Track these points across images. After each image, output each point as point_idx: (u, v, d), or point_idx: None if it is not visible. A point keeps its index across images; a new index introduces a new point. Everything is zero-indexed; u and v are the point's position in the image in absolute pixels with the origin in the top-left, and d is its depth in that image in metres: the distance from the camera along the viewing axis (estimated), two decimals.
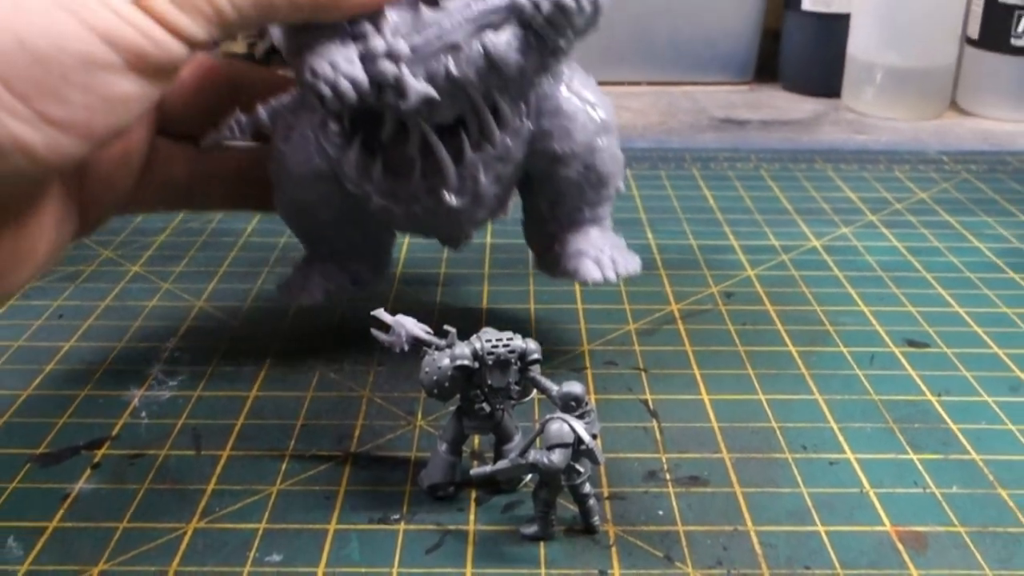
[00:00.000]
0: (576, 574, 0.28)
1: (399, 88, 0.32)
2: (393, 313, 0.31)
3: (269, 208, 0.39)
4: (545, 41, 0.33)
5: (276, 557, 0.29)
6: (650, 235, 0.53)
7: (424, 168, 0.34)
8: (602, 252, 0.37)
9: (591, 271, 0.37)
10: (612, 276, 0.37)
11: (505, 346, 0.30)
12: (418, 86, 0.32)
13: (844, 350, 0.41)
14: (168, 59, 0.27)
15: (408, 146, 0.34)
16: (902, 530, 0.30)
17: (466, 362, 0.30)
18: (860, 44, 0.76)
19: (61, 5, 0.24)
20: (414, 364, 0.31)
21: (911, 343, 0.42)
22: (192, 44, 0.27)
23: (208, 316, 0.44)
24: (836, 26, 0.78)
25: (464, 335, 0.30)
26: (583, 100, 0.36)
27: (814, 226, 0.54)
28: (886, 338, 0.42)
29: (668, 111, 0.77)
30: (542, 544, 0.30)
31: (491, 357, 0.30)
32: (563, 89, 0.36)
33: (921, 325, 0.43)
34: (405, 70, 0.32)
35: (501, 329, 0.30)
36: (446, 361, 0.30)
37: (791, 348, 0.41)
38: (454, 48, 0.32)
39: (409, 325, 0.30)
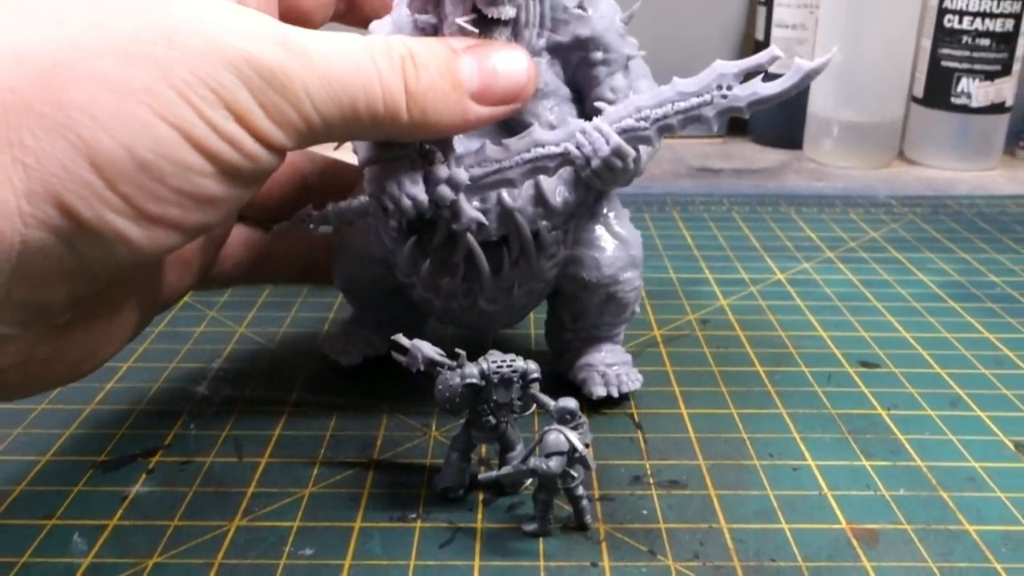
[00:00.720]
0: (571, 566, 0.29)
1: (454, 211, 0.32)
2: (411, 337, 0.31)
3: (327, 285, 0.40)
4: (590, 187, 0.33)
5: (308, 551, 0.29)
6: None
7: (466, 274, 0.34)
8: (609, 369, 0.37)
9: (597, 388, 0.37)
10: (615, 393, 0.37)
11: (509, 366, 0.30)
12: (471, 212, 0.32)
13: (805, 370, 0.41)
14: (257, 169, 0.26)
15: (455, 253, 0.34)
16: (856, 527, 0.30)
17: (474, 380, 0.30)
18: (819, 102, 0.77)
19: (166, 120, 0.23)
20: (429, 383, 0.31)
21: (864, 364, 0.42)
22: (282, 154, 0.27)
23: (249, 340, 0.44)
24: None
25: (473, 357, 0.31)
26: (615, 235, 0.36)
27: (779, 261, 0.55)
28: (842, 359, 0.42)
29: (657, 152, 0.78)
30: (541, 540, 0.30)
31: (496, 376, 0.30)
32: (600, 224, 0.36)
33: (872, 348, 0.43)
34: (462, 197, 0.32)
35: (505, 352, 0.31)
36: (457, 380, 0.30)
37: (759, 368, 0.41)
38: (509, 183, 0.32)
39: (425, 348, 0.30)
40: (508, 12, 0.30)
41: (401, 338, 0.31)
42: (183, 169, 0.24)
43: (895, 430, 0.36)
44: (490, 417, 0.31)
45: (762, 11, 0.80)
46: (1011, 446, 0.35)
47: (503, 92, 0.30)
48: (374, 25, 0.34)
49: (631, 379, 0.37)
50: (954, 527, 0.30)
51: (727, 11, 0.82)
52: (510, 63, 0.30)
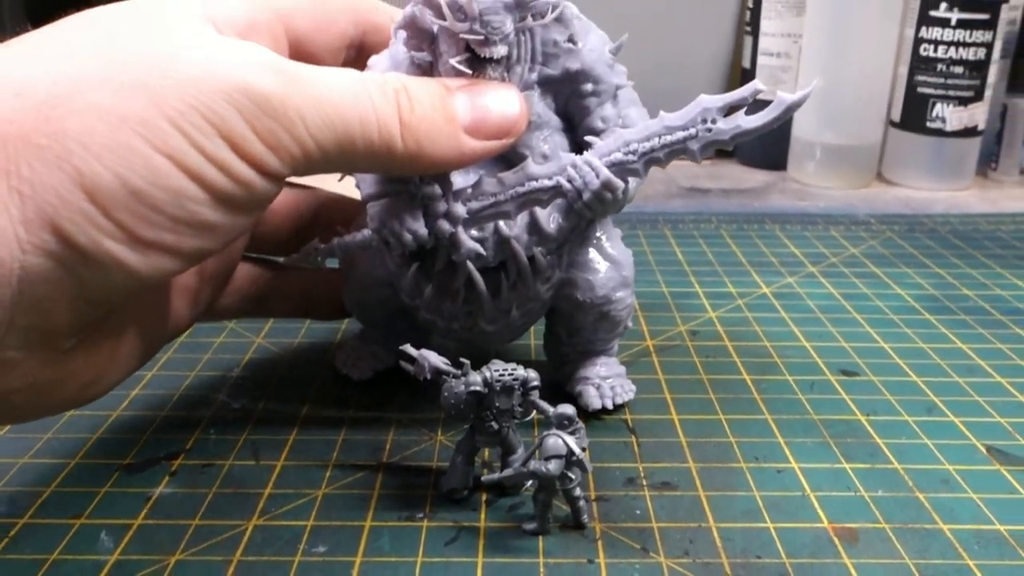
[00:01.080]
0: (568, 563, 0.29)
1: (453, 243, 0.32)
2: (417, 348, 0.31)
3: (326, 319, 0.40)
4: (581, 216, 0.33)
5: (321, 549, 0.29)
6: None
7: (466, 298, 0.34)
8: (604, 381, 0.37)
9: (593, 400, 0.37)
10: (609, 405, 0.37)
11: (510, 375, 0.30)
12: (469, 244, 0.32)
13: (789, 378, 0.41)
14: (253, 195, 0.25)
15: (456, 279, 0.34)
16: (837, 527, 0.30)
17: (478, 388, 0.30)
18: (802, 126, 0.77)
19: (158, 148, 0.23)
20: (435, 390, 0.31)
21: (844, 372, 0.42)
22: (278, 181, 0.26)
23: (265, 350, 0.44)
24: None
25: (476, 366, 0.31)
26: (608, 258, 0.36)
27: (764, 276, 0.55)
28: (824, 368, 0.42)
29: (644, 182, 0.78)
30: (540, 538, 0.30)
31: (499, 384, 0.30)
32: (592, 247, 0.36)
33: (853, 358, 0.43)
34: (460, 230, 0.32)
35: (507, 361, 0.31)
36: (462, 387, 0.30)
37: (746, 376, 0.41)
38: (505, 215, 0.32)
39: (431, 358, 0.31)
40: (500, 51, 0.29)
41: (408, 348, 0.31)
42: (176, 196, 0.24)
43: (874, 435, 0.36)
44: (492, 422, 0.31)
45: (748, 41, 0.81)
46: (983, 450, 0.35)
47: (496, 127, 0.29)
48: (372, 60, 0.33)
49: (625, 391, 0.38)
50: (929, 526, 0.31)
51: (715, 40, 0.83)
52: (502, 101, 0.29)
